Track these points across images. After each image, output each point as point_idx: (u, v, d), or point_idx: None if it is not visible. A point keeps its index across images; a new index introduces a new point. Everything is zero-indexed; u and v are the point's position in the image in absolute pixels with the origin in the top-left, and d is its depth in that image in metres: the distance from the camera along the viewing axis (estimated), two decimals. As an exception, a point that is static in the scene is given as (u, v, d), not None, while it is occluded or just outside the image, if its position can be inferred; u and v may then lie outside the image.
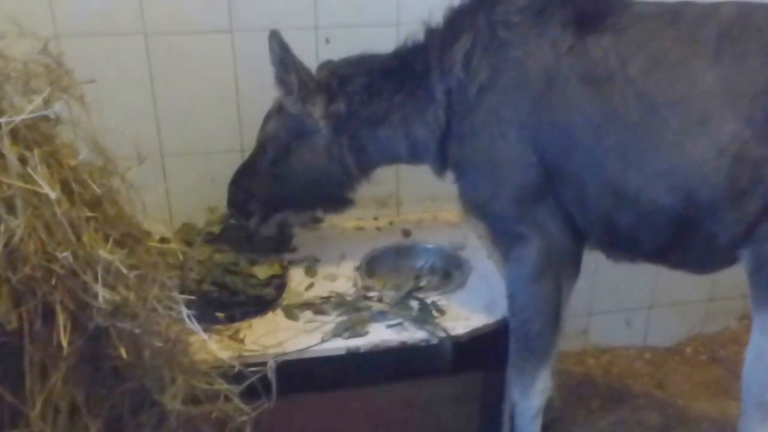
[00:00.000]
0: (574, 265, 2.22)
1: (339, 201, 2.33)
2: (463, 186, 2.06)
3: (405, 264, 2.44)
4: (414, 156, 2.17)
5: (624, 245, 1.93)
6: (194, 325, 1.62)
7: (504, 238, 2.00)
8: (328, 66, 2.23)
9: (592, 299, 3.04)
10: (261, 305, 2.13)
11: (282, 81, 2.14)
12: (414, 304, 2.11)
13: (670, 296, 3.09)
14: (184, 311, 1.60)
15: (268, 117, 2.28)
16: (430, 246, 2.47)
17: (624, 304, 3.10)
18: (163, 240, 1.89)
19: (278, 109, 2.23)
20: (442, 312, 2.09)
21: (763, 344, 1.77)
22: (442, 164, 2.12)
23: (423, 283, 2.27)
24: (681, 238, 1.80)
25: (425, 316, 2.06)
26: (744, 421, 1.86)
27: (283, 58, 2.10)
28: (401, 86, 2.09)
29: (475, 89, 1.92)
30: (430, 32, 2.06)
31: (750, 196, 1.66)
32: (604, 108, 1.76)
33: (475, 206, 2.05)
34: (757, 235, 1.71)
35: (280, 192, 2.29)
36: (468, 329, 2.05)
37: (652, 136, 1.72)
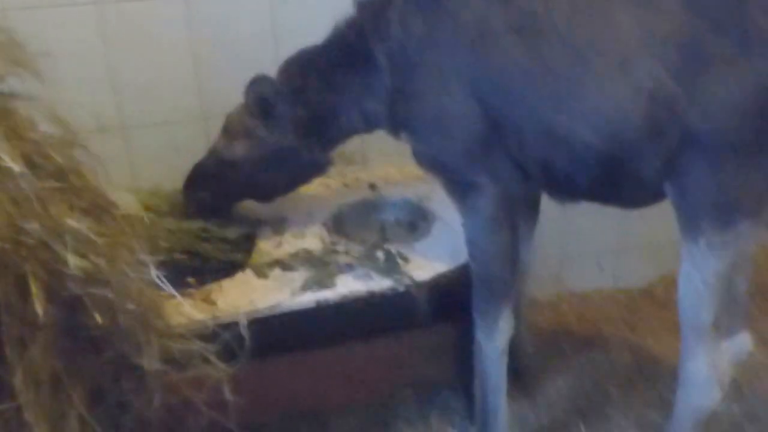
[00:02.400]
0: (530, 208, 2.30)
1: (307, 181, 2.41)
2: (414, 142, 2.10)
3: (372, 218, 2.48)
4: (370, 125, 2.22)
5: (562, 185, 2.00)
6: (165, 285, 1.65)
7: (458, 188, 2.06)
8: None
9: (563, 244, 3.08)
10: (232, 269, 2.16)
11: (262, 114, 2.18)
12: (380, 254, 2.16)
13: (640, 238, 3.13)
14: (154, 272, 1.63)
15: (232, 137, 2.27)
16: (395, 199, 2.51)
17: (596, 248, 3.14)
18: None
19: (247, 134, 2.24)
20: (407, 260, 2.14)
21: (690, 271, 1.88)
22: (395, 126, 2.15)
23: (389, 234, 2.33)
24: (610, 175, 1.88)
25: (391, 265, 2.11)
26: (684, 344, 1.98)
27: (275, 101, 2.15)
28: (344, 66, 2.12)
29: (414, 46, 1.96)
30: (362, 5, 2.09)
31: (667, 132, 1.74)
32: (533, 55, 1.82)
33: (427, 160, 2.10)
34: (677, 168, 1.79)
35: (250, 193, 2.37)
36: (432, 275, 2.10)
37: (578, 80, 1.79)
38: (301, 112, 2.17)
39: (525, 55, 1.82)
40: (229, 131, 2.28)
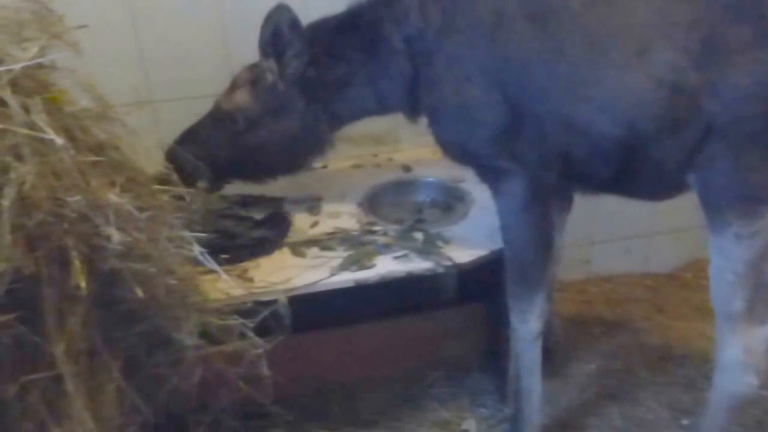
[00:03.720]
0: (564, 194, 2.26)
1: (302, 167, 2.34)
2: (438, 131, 2.07)
3: (406, 199, 2.46)
4: (383, 108, 2.20)
5: (583, 177, 1.98)
6: (208, 261, 1.65)
7: (489, 174, 2.04)
8: None
9: (593, 229, 3.06)
10: (262, 247, 2.15)
11: (275, 53, 2.12)
12: (419, 235, 2.15)
13: (669, 223, 3.10)
14: (197, 248, 1.63)
15: (236, 87, 2.24)
16: (430, 180, 2.49)
17: (624, 233, 3.12)
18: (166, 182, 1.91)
19: (254, 81, 2.20)
20: (446, 242, 2.13)
21: (719, 263, 1.87)
22: (413, 111, 2.14)
23: (425, 216, 2.31)
24: (631, 168, 1.86)
25: (430, 246, 2.10)
26: (718, 332, 1.98)
27: (292, 36, 2.08)
28: (359, 43, 2.09)
29: (433, 34, 1.94)
30: None
31: (689, 124, 1.71)
32: (550, 43, 1.79)
33: (454, 149, 2.08)
34: (700, 160, 1.76)
35: (241, 160, 2.26)
36: (472, 257, 2.08)
37: (596, 70, 1.75)
38: (311, 73, 2.13)
39: (542, 44, 1.79)
40: (234, 82, 2.25)
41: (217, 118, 2.24)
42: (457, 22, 1.91)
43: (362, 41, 2.08)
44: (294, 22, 2.07)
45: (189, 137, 2.25)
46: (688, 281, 3.19)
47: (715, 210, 1.82)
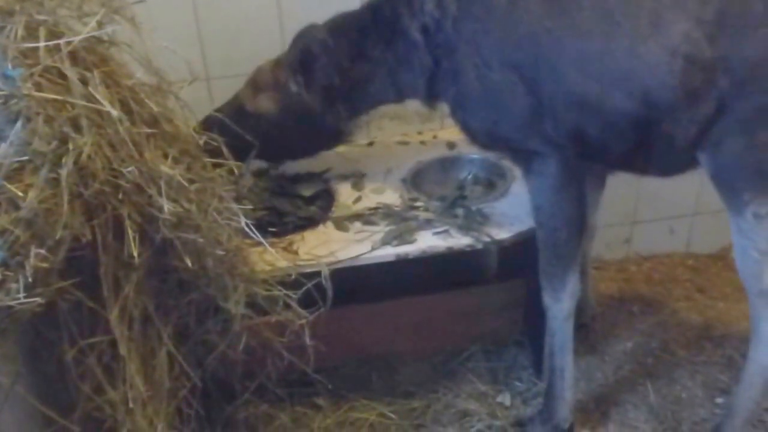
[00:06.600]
0: (597, 174, 2.26)
1: (320, 151, 2.39)
2: (466, 119, 2.07)
3: (450, 175, 2.47)
4: (402, 96, 2.21)
5: (596, 154, 1.96)
6: (253, 233, 1.70)
7: (521, 156, 2.03)
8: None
9: (635, 208, 3.03)
10: (310, 225, 2.19)
11: (302, 68, 2.14)
12: (459, 211, 2.17)
13: (715, 204, 3.03)
14: (243, 220, 1.68)
15: (258, 89, 2.25)
16: (474, 157, 2.48)
17: (668, 212, 3.07)
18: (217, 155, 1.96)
19: (275, 86, 2.22)
20: (486, 218, 2.15)
21: (742, 243, 1.87)
22: (432, 100, 2.14)
23: (467, 192, 2.32)
24: (643, 143, 1.83)
25: (470, 222, 2.12)
26: (752, 310, 1.98)
27: (320, 53, 2.11)
28: (378, 38, 2.09)
29: (450, 24, 1.93)
30: None
31: (703, 98, 1.69)
32: (561, 19, 1.77)
33: (482, 135, 2.07)
34: (712, 137, 1.74)
35: (264, 150, 2.25)
36: (511, 234, 2.11)
37: (607, 43, 1.73)
38: (333, 79, 2.14)
39: (553, 19, 1.77)
40: (256, 82, 2.26)
41: (240, 113, 2.23)
42: (473, 9, 1.90)
43: (381, 37, 2.09)
44: (323, 42, 2.11)
45: (210, 126, 2.17)
46: (731, 262, 3.12)
47: (730, 190, 1.81)
